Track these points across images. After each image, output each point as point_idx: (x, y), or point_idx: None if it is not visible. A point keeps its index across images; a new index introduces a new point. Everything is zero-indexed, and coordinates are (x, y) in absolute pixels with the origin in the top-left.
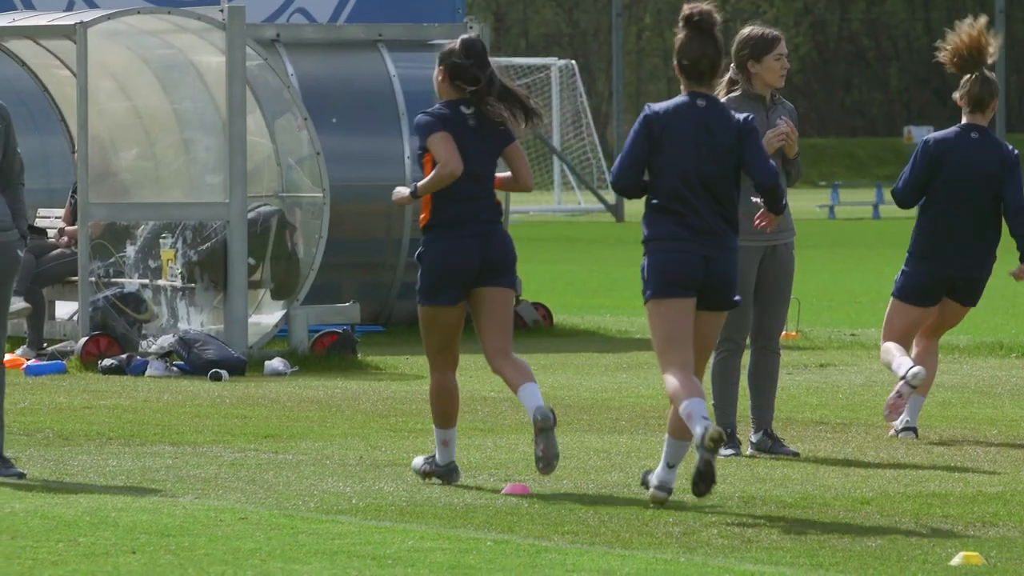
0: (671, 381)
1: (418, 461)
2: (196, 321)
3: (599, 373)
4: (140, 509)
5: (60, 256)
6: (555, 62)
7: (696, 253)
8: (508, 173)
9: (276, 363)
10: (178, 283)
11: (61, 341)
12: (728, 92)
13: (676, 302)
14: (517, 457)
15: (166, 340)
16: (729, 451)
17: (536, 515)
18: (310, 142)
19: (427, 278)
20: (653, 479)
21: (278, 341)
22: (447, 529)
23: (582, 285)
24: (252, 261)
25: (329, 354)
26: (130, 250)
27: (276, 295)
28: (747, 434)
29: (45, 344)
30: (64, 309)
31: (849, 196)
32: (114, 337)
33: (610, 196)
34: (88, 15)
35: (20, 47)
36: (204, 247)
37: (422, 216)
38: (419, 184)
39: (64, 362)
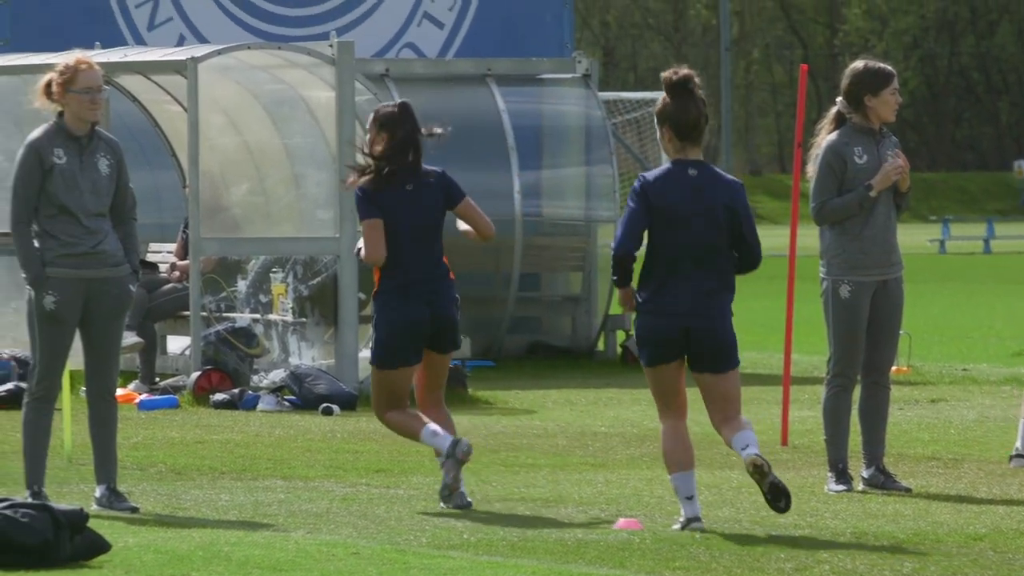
0: (665, 439)
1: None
2: (307, 356)
3: None
4: (253, 544)
5: (172, 291)
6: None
7: (681, 324)
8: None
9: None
10: (289, 318)
11: (173, 376)
12: (836, 127)
13: (663, 368)
14: (628, 492)
15: (277, 375)
16: (841, 487)
17: (648, 550)
18: None
19: None
20: (682, 519)
21: None
22: (559, 564)
23: None
24: (363, 296)
25: None
26: (241, 285)
27: None
28: (859, 469)
29: (157, 379)
30: (176, 344)
31: (960, 231)
32: (226, 372)
33: None
34: (199, 50)
35: (131, 82)
36: (315, 282)
37: None
38: None
39: (176, 397)
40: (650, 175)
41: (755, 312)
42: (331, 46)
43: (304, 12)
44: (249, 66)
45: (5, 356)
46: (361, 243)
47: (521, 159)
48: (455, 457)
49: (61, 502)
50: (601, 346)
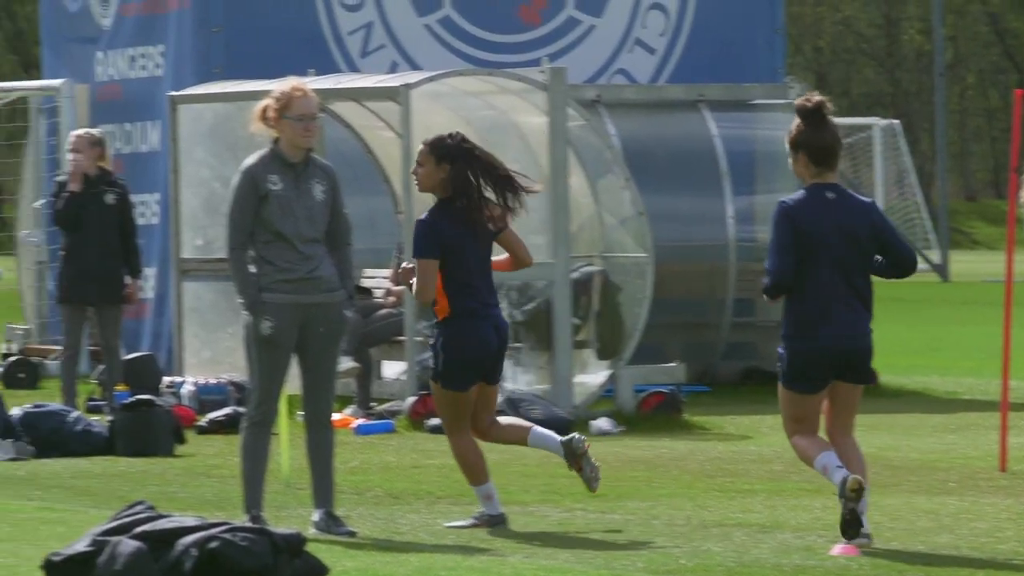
0: (799, 443)
1: (462, 522)
2: (522, 381)
3: (926, 434)
4: (469, 568)
5: (387, 316)
6: (877, 122)
7: (838, 349)
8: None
9: (602, 423)
10: None
11: (389, 400)
12: None
13: (815, 395)
14: None
15: None
16: None
17: None
18: (632, 202)
19: None
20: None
21: (604, 401)
22: None
23: (908, 345)
24: (577, 321)
25: (655, 414)
26: None
27: (602, 355)
28: None
29: (373, 404)
30: (392, 369)
31: None
32: None
33: (935, 255)
34: (412, 77)
35: (345, 109)
36: (529, 307)
37: None
38: None
39: (392, 421)
40: (791, 200)
41: (972, 338)
42: (543, 72)
43: (516, 39)
44: (461, 92)
45: (223, 381)
46: (413, 280)
47: (734, 184)
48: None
49: (279, 526)
50: None
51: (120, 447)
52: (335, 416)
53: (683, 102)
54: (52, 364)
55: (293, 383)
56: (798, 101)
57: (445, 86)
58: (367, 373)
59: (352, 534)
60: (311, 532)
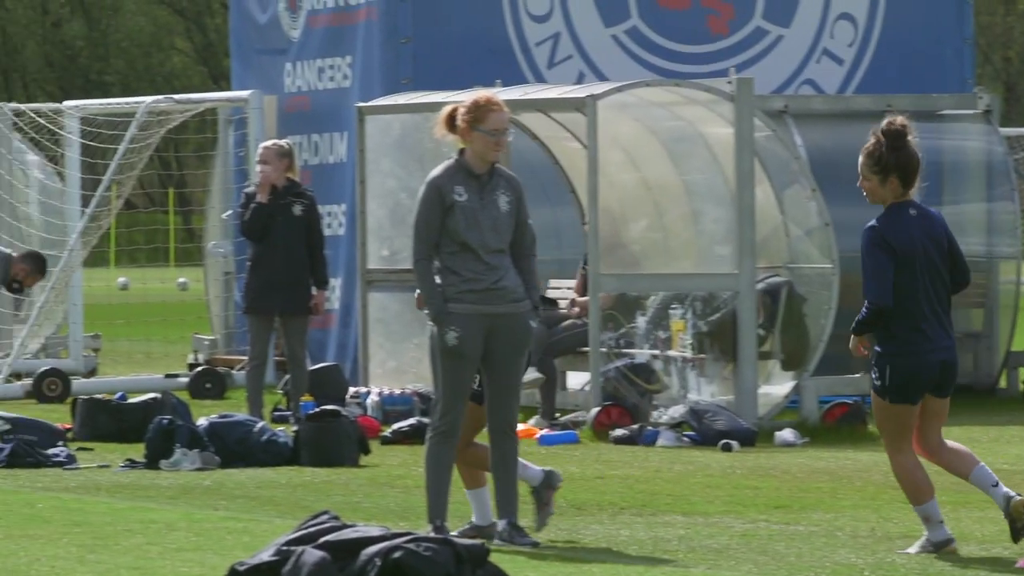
0: (908, 470)
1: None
2: (706, 392)
3: None
4: None
5: (571, 327)
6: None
7: (939, 360)
8: None
9: (787, 434)
10: (688, 354)
11: (573, 411)
12: None
13: (912, 409)
14: None
15: (677, 410)
16: None
17: None
18: (818, 213)
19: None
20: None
21: (788, 412)
22: None
23: None
24: (762, 332)
25: (839, 425)
26: (640, 321)
27: (786, 366)
28: None
29: (557, 414)
30: (576, 379)
31: None
32: (625, 407)
33: None
34: (598, 88)
35: (531, 120)
36: (714, 318)
37: None
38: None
39: (576, 432)
40: (880, 221)
41: None
42: (730, 83)
43: (703, 49)
44: (648, 103)
45: (408, 391)
46: None
47: (921, 195)
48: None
49: (463, 536)
50: (1003, 383)
51: (305, 457)
52: (519, 426)
53: (871, 112)
54: (238, 374)
55: None
56: (886, 124)
57: (631, 97)
58: (551, 384)
59: (535, 545)
60: (494, 542)
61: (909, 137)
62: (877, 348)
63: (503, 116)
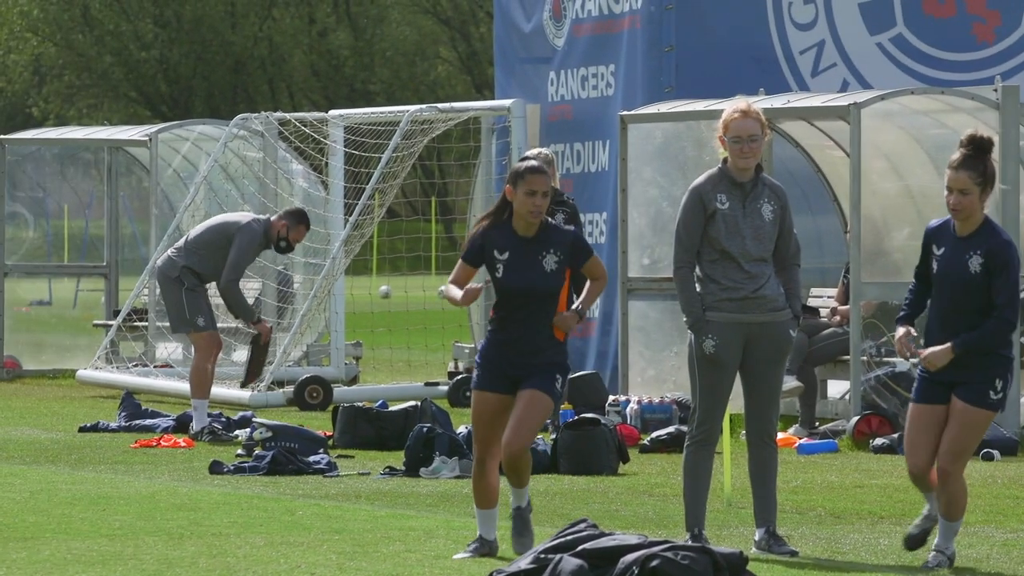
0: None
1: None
2: None
3: None
4: None
5: (832, 335)
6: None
7: None
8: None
9: None
10: None
11: (833, 420)
12: None
13: None
14: None
15: None
16: None
17: None
18: None
19: None
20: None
21: None
22: None
23: None
24: None
25: None
26: (900, 329)
27: None
28: None
29: (817, 423)
30: (836, 388)
31: None
32: (885, 416)
33: None
34: (861, 96)
35: (794, 128)
36: None
37: None
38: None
39: (836, 441)
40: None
41: None
42: (995, 90)
43: (969, 57)
44: (912, 111)
45: (667, 400)
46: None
47: None
48: None
49: (721, 544)
50: None
51: (563, 465)
52: (778, 435)
53: None
54: None
55: (737, 402)
56: (972, 134)
57: (895, 104)
58: (811, 392)
59: (794, 553)
60: (752, 551)
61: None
62: (1001, 357)
63: (745, 123)
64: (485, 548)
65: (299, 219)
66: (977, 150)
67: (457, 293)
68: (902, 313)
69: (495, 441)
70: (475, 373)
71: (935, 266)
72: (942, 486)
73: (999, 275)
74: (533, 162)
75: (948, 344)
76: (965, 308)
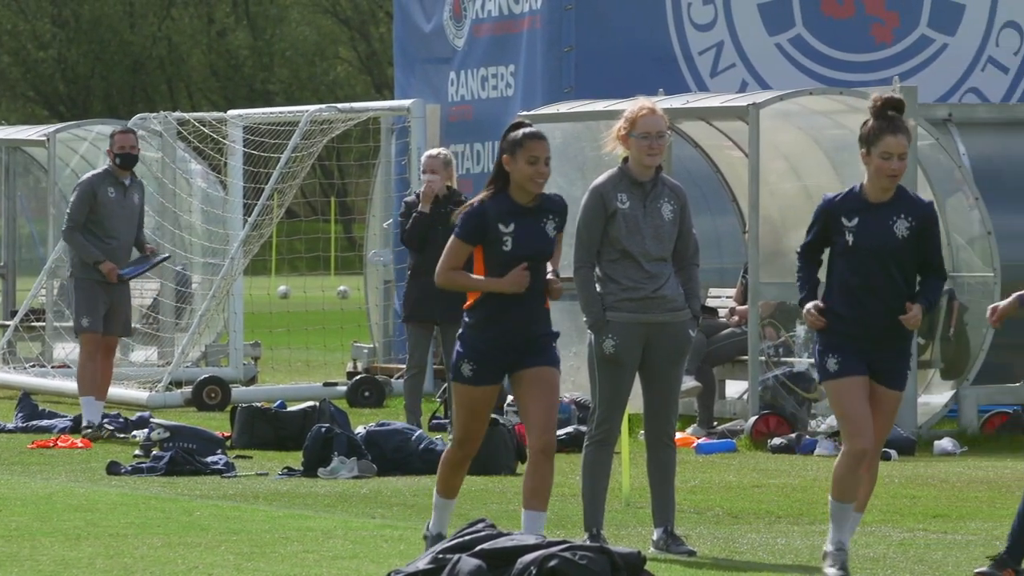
0: None
1: None
2: None
3: None
4: None
5: (731, 335)
6: None
7: None
8: None
9: (945, 443)
10: None
11: (731, 420)
12: None
13: None
14: None
15: (835, 419)
16: None
17: None
18: (981, 222)
19: None
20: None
21: (947, 421)
22: None
23: None
24: (921, 341)
25: (999, 434)
26: (799, 329)
27: (946, 375)
28: None
29: (715, 423)
30: (734, 388)
31: None
32: (783, 416)
33: None
34: (760, 96)
35: (693, 128)
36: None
37: None
38: None
39: (734, 441)
40: None
41: None
42: (894, 91)
43: (867, 57)
44: (810, 111)
45: (565, 400)
46: None
47: None
48: None
49: (619, 544)
50: None
51: None
52: (677, 435)
53: None
54: (397, 383)
55: (636, 402)
56: (889, 97)
57: (794, 105)
58: (710, 392)
59: (692, 553)
60: (650, 551)
61: None
62: (910, 340)
63: (655, 120)
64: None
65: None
66: (898, 111)
67: (484, 282)
68: (803, 293)
69: (482, 433)
70: (464, 367)
71: (850, 238)
72: (867, 472)
73: (931, 236)
74: (529, 127)
75: (919, 304)
76: (889, 276)
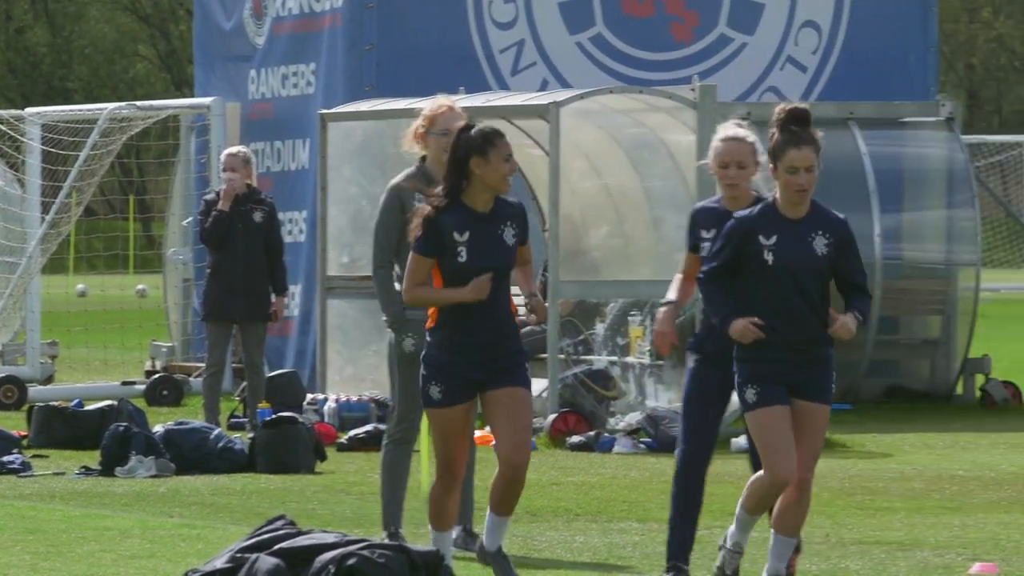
0: None
1: None
2: (663, 398)
3: None
4: None
5: (530, 333)
6: None
7: None
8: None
9: (743, 440)
10: (646, 360)
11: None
12: None
13: None
14: (985, 536)
15: (634, 417)
16: None
17: None
18: None
19: None
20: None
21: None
22: None
23: None
24: None
25: None
26: (599, 327)
27: None
28: None
29: None
30: (533, 386)
31: None
32: (582, 414)
33: None
34: (561, 95)
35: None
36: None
37: None
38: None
39: (533, 439)
40: None
41: None
42: (693, 90)
43: (667, 56)
44: (611, 110)
45: (364, 398)
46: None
47: (882, 202)
48: None
49: (417, 543)
50: (960, 390)
51: (261, 464)
52: (476, 433)
53: (833, 120)
54: (195, 381)
55: None
56: (793, 109)
57: (594, 104)
58: None
59: None
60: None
61: None
62: (832, 353)
63: (455, 117)
64: None
65: None
66: (803, 123)
67: (445, 293)
68: (726, 311)
69: (464, 454)
70: (432, 390)
71: (770, 257)
72: (800, 496)
73: (850, 252)
74: (486, 126)
75: (851, 314)
76: (806, 294)
